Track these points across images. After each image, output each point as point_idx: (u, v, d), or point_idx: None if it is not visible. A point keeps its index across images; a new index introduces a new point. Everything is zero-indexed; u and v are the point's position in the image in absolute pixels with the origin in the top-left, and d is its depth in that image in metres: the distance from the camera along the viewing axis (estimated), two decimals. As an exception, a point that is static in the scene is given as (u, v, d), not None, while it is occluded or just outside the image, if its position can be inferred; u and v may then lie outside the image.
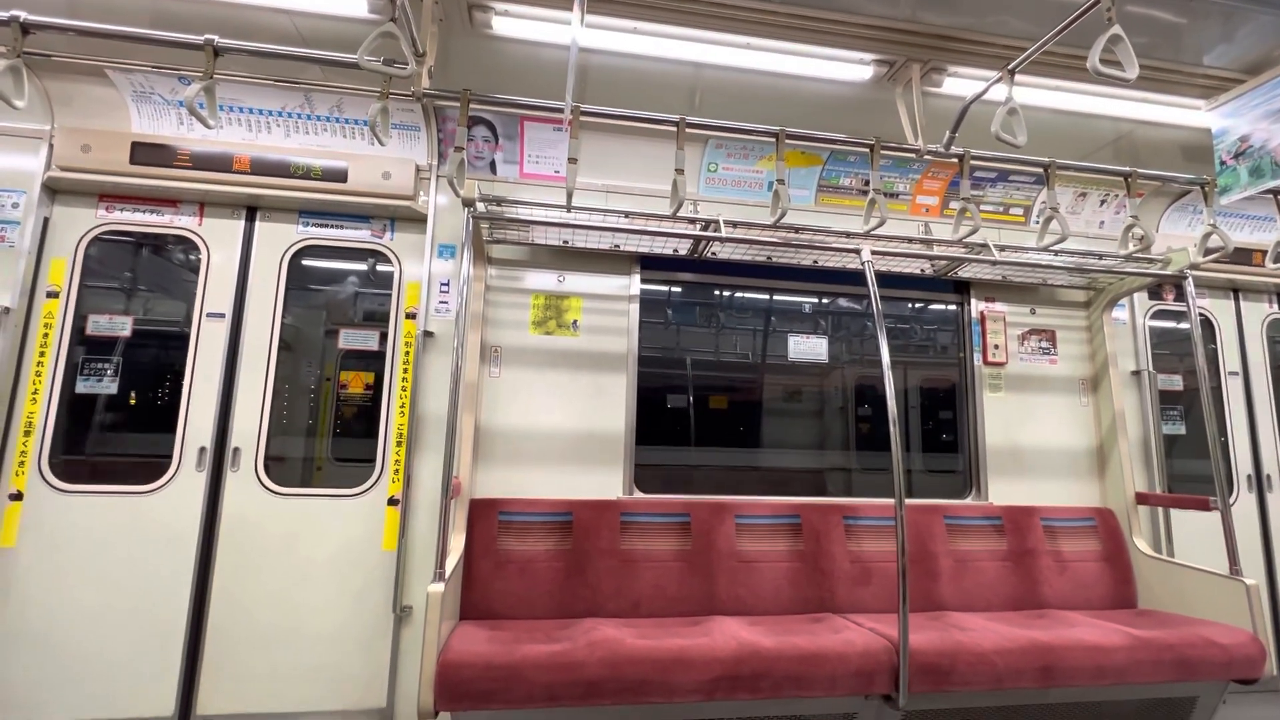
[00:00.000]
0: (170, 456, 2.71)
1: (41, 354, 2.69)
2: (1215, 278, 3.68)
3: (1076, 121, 3.06)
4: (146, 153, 2.73)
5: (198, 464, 2.72)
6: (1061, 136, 3.18)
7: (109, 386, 2.76)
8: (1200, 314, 3.65)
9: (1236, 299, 3.85)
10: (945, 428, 3.52)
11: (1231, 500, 3.55)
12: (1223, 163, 2.74)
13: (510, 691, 1.95)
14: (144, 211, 2.85)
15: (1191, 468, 3.59)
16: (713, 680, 2.05)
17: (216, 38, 2.16)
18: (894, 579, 2.83)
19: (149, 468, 2.70)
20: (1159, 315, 3.70)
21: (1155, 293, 3.69)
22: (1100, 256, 3.24)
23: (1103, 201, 3.52)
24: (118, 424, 2.77)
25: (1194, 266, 3.02)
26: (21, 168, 2.71)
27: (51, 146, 2.72)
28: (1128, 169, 2.95)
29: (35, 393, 2.66)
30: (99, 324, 2.78)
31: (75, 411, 2.74)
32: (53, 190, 2.78)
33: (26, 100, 2.14)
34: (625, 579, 2.67)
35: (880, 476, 3.50)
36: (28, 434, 2.63)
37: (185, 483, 2.70)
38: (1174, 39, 2.54)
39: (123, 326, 2.80)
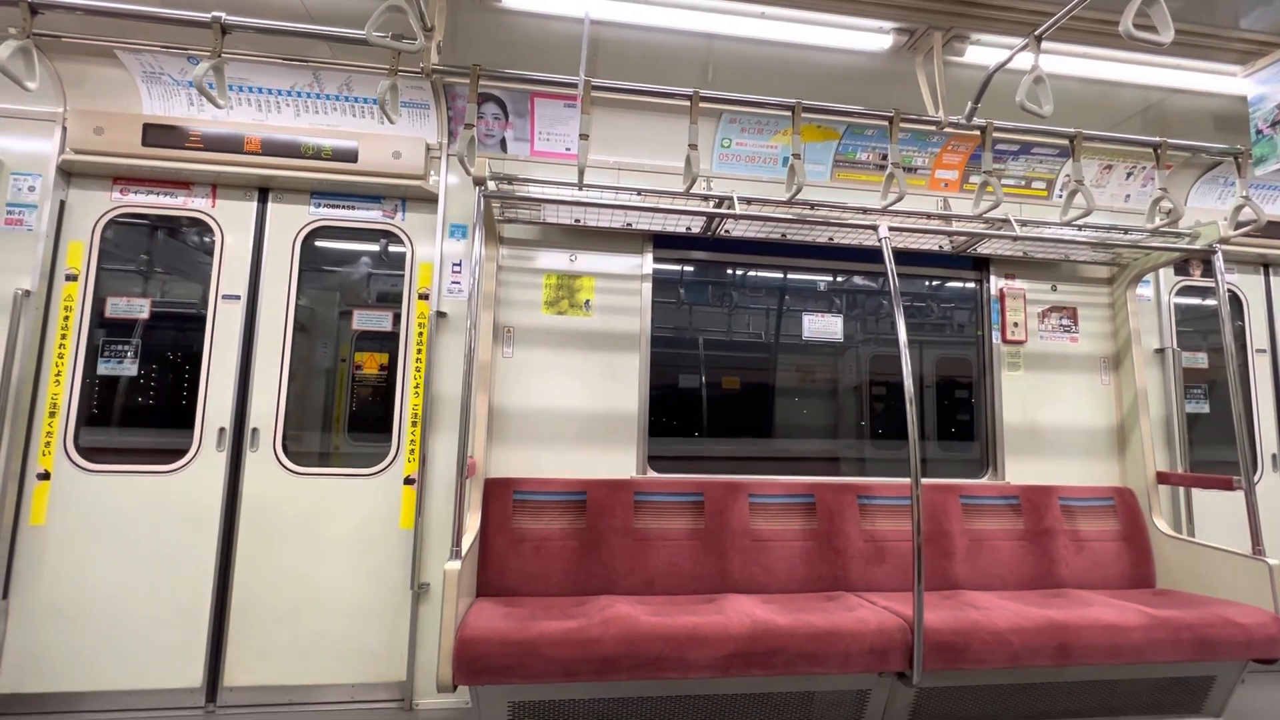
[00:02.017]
0: (191, 437, 2.75)
1: (63, 336, 2.73)
2: (1245, 252, 3.58)
3: (1103, 90, 2.96)
4: (158, 134, 2.73)
5: (218, 444, 2.77)
6: (1087, 106, 3.08)
7: (129, 368, 2.80)
8: (1228, 290, 3.56)
9: (1266, 274, 3.74)
10: (962, 408, 3.48)
11: (1256, 479, 3.49)
12: (1259, 131, 2.63)
13: (527, 666, 1.98)
14: (158, 194, 2.86)
15: (1213, 449, 3.52)
16: (727, 657, 2.07)
17: (224, 15, 2.14)
18: (909, 558, 2.83)
19: (171, 448, 2.75)
20: (1184, 291, 3.61)
21: (1181, 268, 3.59)
22: (1125, 231, 3.15)
23: (1129, 174, 3.41)
24: (139, 405, 2.82)
25: (1224, 240, 2.93)
26: (36, 150, 2.72)
27: (65, 129, 2.72)
28: (1157, 139, 2.85)
29: (58, 374, 2.71)
30: (117, 306, 2.81)
31: (98, 392, 2.78)
32: (68, 173, 2.79)
33: (38, 82, 2.14)
34: (639, 557, 2.69)
35: (894, 452, 3.48)
36: (53, 415, 2.68)
37: (206, 462, 2.75)
38: (1209, 1, 2.44)
39: (141, 309, 2.83)
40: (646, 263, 3.10)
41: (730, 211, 2.63)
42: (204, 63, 2.09)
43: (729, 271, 3.49)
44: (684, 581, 2.69)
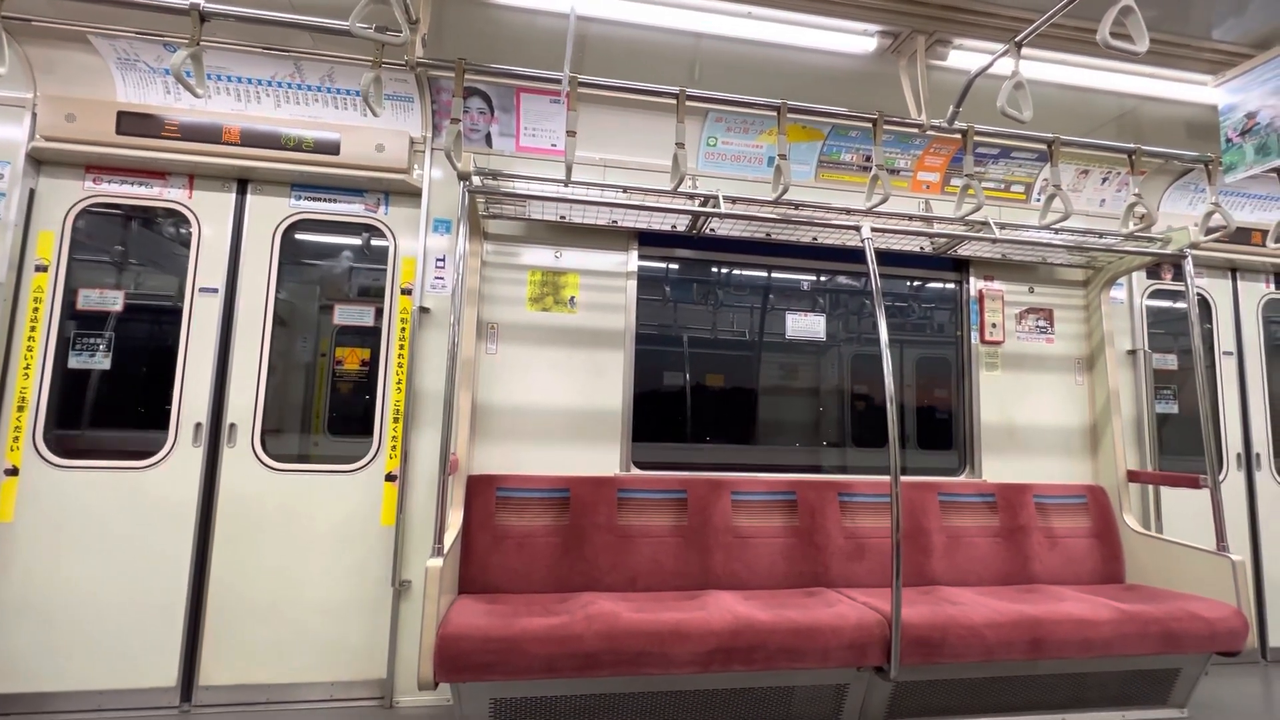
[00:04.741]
0: (166, 432, 2.70)
1: (32, 328, 2.66)
2: (1214, 257, 3.68)
3: (1080, 97, 3.02)
4: (133, 122, 2.66)
5: (194, 439, 2.72)
6: (1065, 113, 3.14)
7: (102, 362, 2.74)
8: (1197, 293, 3.65)
9: (1234, 279, 3.85)
10: (941, 407, 3.53)
11: (1221, 478, 3.60)
12: (1229, 140, 2.71)
13: (509, 663, 1.98)
14: (132, 184, 2.79)
15: (1182, 446, 3.62)
16: (708, 652, 2.08)
17: (203, 2, 2.10)
18: (887, 554, 2.87)
19: (145, 443, 2.69)
20: (1156, 295, 3.70)
21: (1153, 272, 3.68)
22: (1100, 235, 3.22)
23: (1104, 179, 3.49)
24: (112, 399, 2.76)
25: (1194, 246, 3.01)
26: (5, 137, 2.64)
27: (35, 115, 2.65)
28: (1131, 146, 2.92)
29: (27, 368, 2.64)
30: (90, 298, 2.75)
31: (69, 386, 2.72)
32: (38, 161, 2.72)
33: (7, 66, 2.08)
34: (622, 554, 2.70)
35: (874, 445, 3.53)
36: (21, 409, 2.61)
37: (182, 458, 2.70)
38: (1182, 12, 2.50)
39: (114, 301, 2.77)
40: (631, 260, 3.10)
41: (716, 210, 2.64)
42: (182, 50, 2.04)
43: (714, 270, 3.50)
44: (667, 578, 2.70)
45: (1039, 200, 3.46)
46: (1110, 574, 3.07)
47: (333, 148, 2.78)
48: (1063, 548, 3.07)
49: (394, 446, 2.83)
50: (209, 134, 2.71)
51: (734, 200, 2.86)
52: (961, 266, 3.48)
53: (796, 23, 2.56)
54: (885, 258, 3.31)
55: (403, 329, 2.90)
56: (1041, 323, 3.48)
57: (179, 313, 2.77)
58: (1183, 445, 3.61)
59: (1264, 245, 3.58)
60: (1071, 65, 2.77)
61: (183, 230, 2.84)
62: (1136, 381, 3.51)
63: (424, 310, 2.87)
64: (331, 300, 2.97)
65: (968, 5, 2.48)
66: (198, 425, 2.73)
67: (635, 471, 2.98)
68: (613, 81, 2.53)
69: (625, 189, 2.83)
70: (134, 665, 2.58)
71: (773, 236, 3.11)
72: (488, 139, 2.99)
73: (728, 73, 2.88)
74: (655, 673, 2.07)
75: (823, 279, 3.57)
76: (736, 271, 3.51)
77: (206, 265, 2.81)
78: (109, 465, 2.65)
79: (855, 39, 2.64)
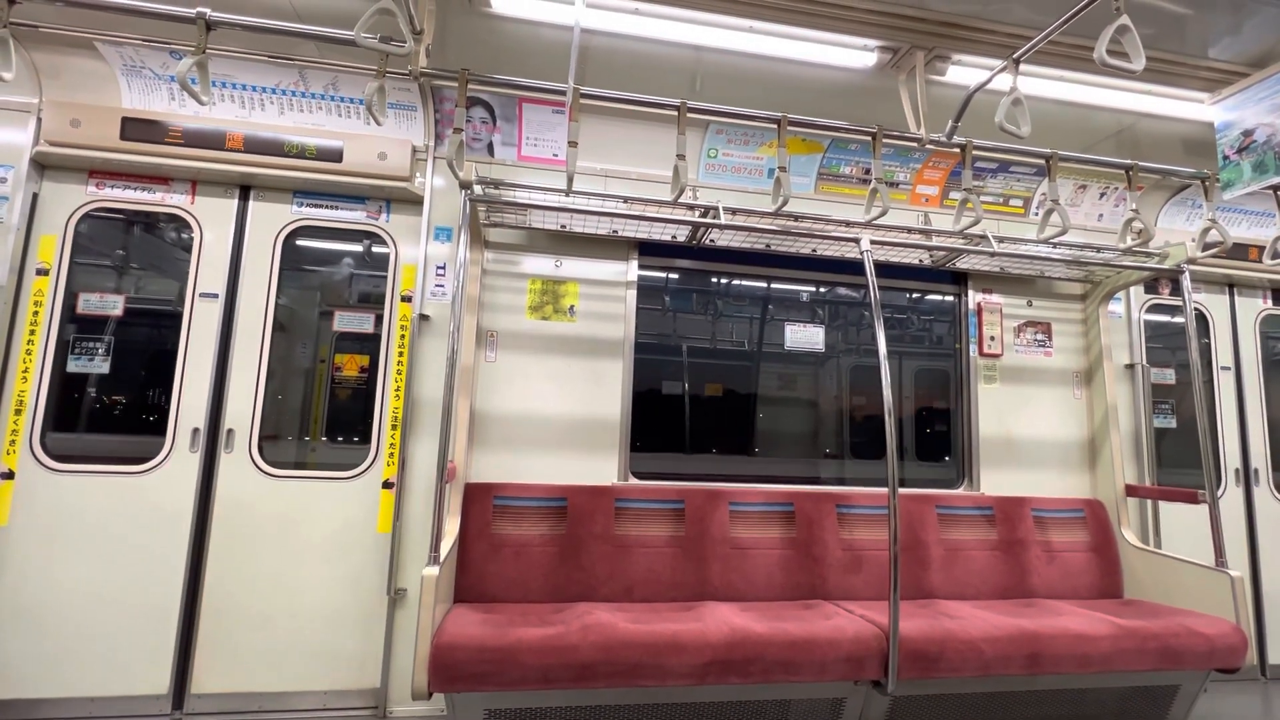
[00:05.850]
0: (163, 437, 2.70)
1: (32, 332, 2.66)
2: (1211, 272, 3.69)
3: (1079, 113, 3.04)
4: (137, 129, 2.68)
5: (191, 445, 2.71)
6: (1063, 128, 3.17)
7: (101, 365, 2.74)
8: (1195, 308, 3.67)
9: (1231, 294, 3.87)
10: (939, 419, 3.54)
11: (1219, 493, 3.59)
12: (1225, 157, 2.73)
13: (504, 674, 1.97)
14: (135, 189, 2.81)
15: (1180, 461, 3.62)
16: (705, 664, 2.07)
17: (209, 11, 2.12)
18: (885, 567, 2.86)
19: (142, 448, 2.69)
20: (1154, 309, 3.72)
21: (1151, 286, 3.70)
22: (1098, 249, 3.23)
23: (1102, 194, 3.51)
24: (110, 403, 2.75)
25: (1191, 261, 3.02)
26: (9, 142, 2.66)
27: (40, 120, 2.66)
28: (1129, 162, 2.94)
29: (26, 371, 2.64)
30: (90, 302, 2.75)
31: (67, 390, 2.71)
32: (42, 165, 2.73)
33: (14, 72, 2.09)
34: (619, 564, 2.68)
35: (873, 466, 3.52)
36: (18, 413, 2.61)
37: (179, 463, 2.69)
38: (1179, 31, 2.52)
39: (114, 305, 2.77)
40: (631, 270, 3.11)
41: (716, 221, 2.66)
42: (188, 59, 2.06)
43: (713, 280, 3.51)
44: (663, 589, 2.69)
45: (1037, 214, 3.48)
46: (1108, 589, 3.06)
47: (335, 155, 2.79)
48: (1061, 562, 3.06)
49: (392, 454, 2.82)
50: (212, 140, 2.72)
51: (734, 211, 2.87)
52: (960, 279, 3.49)
53: (797, 37, 2.58)
54: (884, 270, 3.32)
55: (402, 336, 2.90)
56: (1040, 336, 3.48)
57: (179, 317, 2.78)
58: (1181, 460, 3.61)
59: (1261, 261, 3.59)
60: (1069, 82, 2.79)
61: (184, 235, 2.85)
62: (1135, 395, 3.51)
63: (424, 317, 2.88)
64: (332, 306, 2.98)
65: (966, 22, 2.51)
66: (195, 430, 2.72)
67: (633, 481, 2.97)
68: (614, 93, 2.55)
69: (626, 199, 2.85)
70: (126, 672, 2.56)
71: (772, 248, 3.12)
72: (490, 148, 3.01)
73: (728, 85, 2.91)
74: (651, 684, 2.05)
75: (822, 290, 3.58)
76: (736, 282, 3.53)
77: (207, 270, 2.82)
78: (105, 470, 2.64)
79: (855, 54, 2.67)
